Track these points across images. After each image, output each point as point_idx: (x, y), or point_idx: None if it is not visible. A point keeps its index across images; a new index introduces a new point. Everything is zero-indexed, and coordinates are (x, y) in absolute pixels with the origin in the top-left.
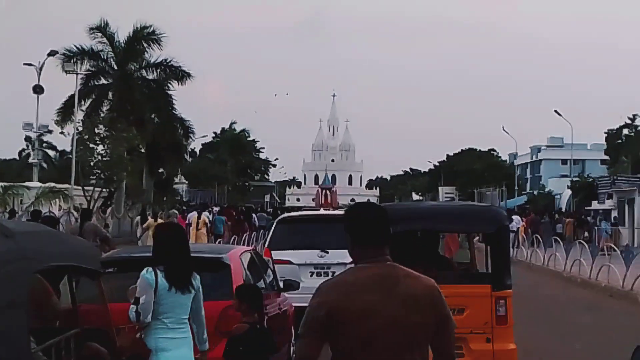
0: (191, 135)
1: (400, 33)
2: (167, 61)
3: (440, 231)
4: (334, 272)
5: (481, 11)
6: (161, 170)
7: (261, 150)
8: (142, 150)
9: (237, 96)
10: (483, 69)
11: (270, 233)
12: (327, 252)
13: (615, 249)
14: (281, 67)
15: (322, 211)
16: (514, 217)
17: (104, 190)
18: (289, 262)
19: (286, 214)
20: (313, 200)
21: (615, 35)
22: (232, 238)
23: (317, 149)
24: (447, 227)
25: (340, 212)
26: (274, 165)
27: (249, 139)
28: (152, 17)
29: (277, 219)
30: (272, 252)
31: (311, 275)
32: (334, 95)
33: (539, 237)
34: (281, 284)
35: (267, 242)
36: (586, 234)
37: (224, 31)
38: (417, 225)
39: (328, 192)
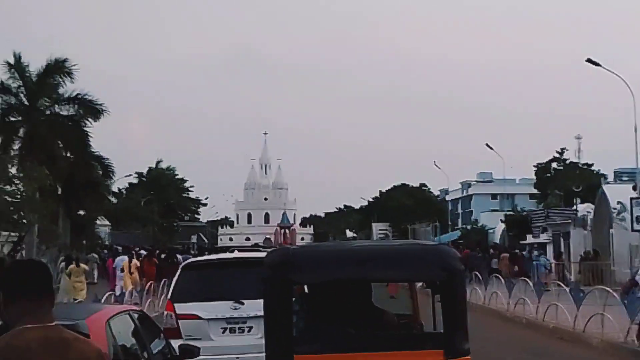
0: (110, 173)
1: (331, 70)
2: (81, 96)
3: (373, 281)
4: (250, 328)
5: (415, 47)
6: (81, 211)
7: (190, 189)
8: (59, 191)
9: (168, 135)
10: (414, 104)
11: (174, 282)
12: (243, 303)
13: (563, 286)
14: (214, 105)
15: (236, 254)
16: None
17: (12, 234)
18: (196, 317)
19: (193, 259)
20: (267, 239)
21: (544, 70)
22: (148, 284)
23: (250, 187)
24: (381, 276)
25: (261, 254)
26: (204, 205)
27: (177, 177)
28: (78, 55)
29: (182, 265)
30: (176, 304)
31: (223, 332)
32: (265, 134)
33: (478, 273)
34: (177, 350)
35: (169, 293)
36: (516, 268)
37: (158, 69)
38: (340, 273)
39: (287, 230)
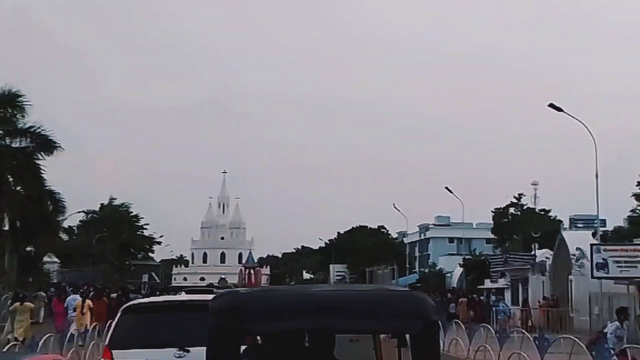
0: (62, 209)
1: (292, 114)
2: (35, 129)
3: (336, 332)
4: None
5: (372, 92)
6: (30, 248)
7: (145, 226)
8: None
9: (124, 172)
10: (374, 147)
11: (113, 326)
12: (189, 351)
13: (527, 334)
14: (171, 143)
15: (183, 296)
16: None
17: None
18: None
19: (134, 301)
20: (222, 279)
21: (503, 119)
22: (93, 325)
23: (207, 226)
24: (347, 326)
25: (209, 296)
26: (159, 243)
27: (131, 214)
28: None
29: (123, 307)
30: (114, 351)
31: None
32: (224, 172)
33: None
34: None
35: (107, 339)
36: (472, 312)
37: (116, 106)
38: (299, 323)
39: (252, 270)
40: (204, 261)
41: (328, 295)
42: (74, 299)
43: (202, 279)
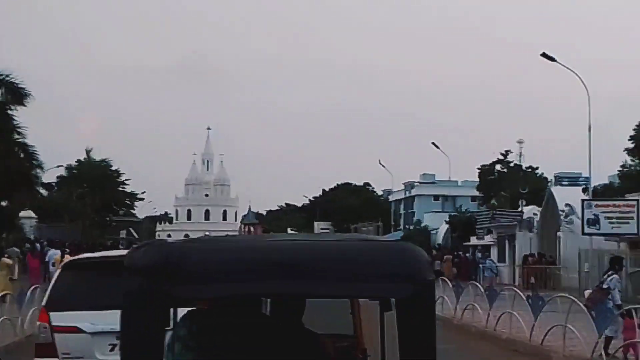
0: (37, 164)
1: (276, 72)
2: (3, 76)
3: (302, 296)
4: None
5: (357, 49)
6: (5, 203)
7: (126, 182)
8: None
9: (108, 129)
10: (360, 104)
11: (51, 285)
12: None
13: (519, 292)
14: (155, 101)
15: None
16: None
17: None
18: (77, 330)
19: (76, 257)
20: (206, 235)
21: (489, 75)
22: None
23: (191, 183)
24: (316, 289)
25: None
26: (141, 199)
27: (111, 169)
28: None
29: (63, 264)
30: (52, 313)
31: (111, 350)
32: (208, 129)
33: None
34: None
35: (45, 299)
36: (454, 270)
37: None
38: (253, 285)
39: (252, 228)
40: (188, 218)
41: (290, 247)
42: (55, 253)
43: (187, 235)
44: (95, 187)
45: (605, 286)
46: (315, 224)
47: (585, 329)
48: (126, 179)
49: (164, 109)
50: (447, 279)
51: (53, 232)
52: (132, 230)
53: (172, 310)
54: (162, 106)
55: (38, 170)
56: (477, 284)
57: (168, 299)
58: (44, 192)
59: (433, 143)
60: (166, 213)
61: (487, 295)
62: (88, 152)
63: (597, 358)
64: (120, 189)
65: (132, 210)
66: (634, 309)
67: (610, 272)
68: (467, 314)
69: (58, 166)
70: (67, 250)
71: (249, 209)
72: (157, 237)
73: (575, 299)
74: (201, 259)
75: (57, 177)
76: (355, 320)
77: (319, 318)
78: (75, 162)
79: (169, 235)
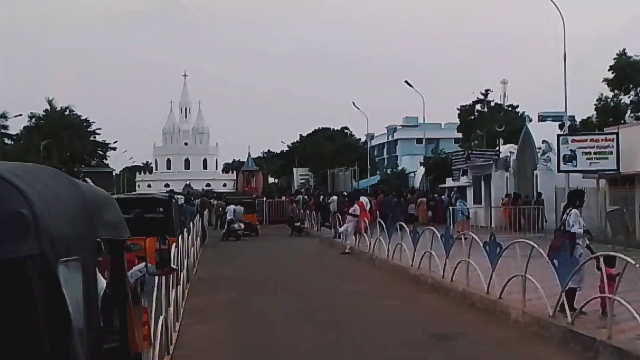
0: None
1: (251, 15)
2: None
3: None
4: None
5: None
6: None
7: (97, 132)
8: None
9: (82, 78)
10: (337, 46)
11: None
12: None
13: (476, 238)
14: (131, 47)
15: None
16: (362, 198)
17: None
18: None
19: None
20: (187, 185)
21: (467, 12)
22: None
23: (169, 132)
24: None
25: None
26: (113, 149)
27: (81, 119)
28: None
29: None
30: None
31: None
32: (185, 76)
33: (382, 221)
34: None
35: None
36: (430, 213)
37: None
38: None
39: (252, 175)
40: (168, 168)
41: None
42: None
43: (167, 185)
44: (62, 137)
45: (570, 228)
46: (294, 170)
47: (548, 280)
48: (97, 129)
49: (139, 57)
50: (405, 224)
51: None
52: (89, 181)
53: None
54: (137, 53)
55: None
56: (434, 229)
57: None
58: (8, 142)
59: (406, 81)
60: (147, 163)
61: (442, 242)
62: (50, 102)
63: (559, 317)
64: (92, 139)
65: (104, 161)
66: (605, 256)
67: (569, 209)
68: (425, 263)
69: (17, 115)
70: None
71: (249, 155)
72: (137, 188)
73: (536, 245)
74: None
75: (24, 127)
76: None
77: None
78: (43, 112)
79: (149, 186)
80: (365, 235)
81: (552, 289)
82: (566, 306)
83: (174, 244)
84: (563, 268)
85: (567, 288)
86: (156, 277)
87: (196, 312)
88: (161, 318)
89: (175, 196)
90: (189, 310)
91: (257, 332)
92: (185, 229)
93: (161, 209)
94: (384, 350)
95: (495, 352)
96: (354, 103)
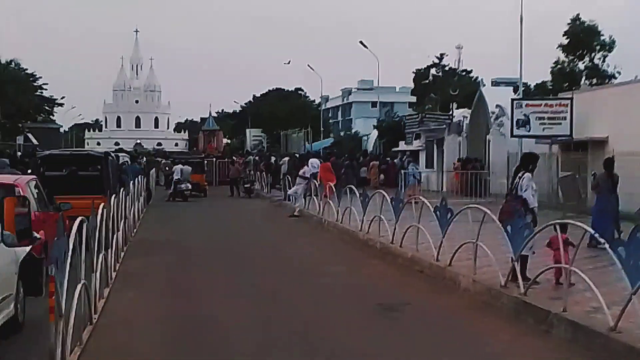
0: None
1: None
2: None
3: None
4: None
5: None
6: None
7: (43, 87)
8: None
9: (32, 31)
10: (293, 7)
11: None
12: None
13: (427, 203)
14: (81, 1)
15: None
16: (312, 160)
17: None
18: None
19: None
20: (138, 144)
21: None
22: None
23: (119, 89)
24: None
25: None
26: (60, 105)
27: (25, 73)
28: None
29: None
30: None
31: None
32: (136, 31)
33: (331, 185)
34: None
35: None
36: (382, 176)
37: None
38: None
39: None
40: (118, 126)
41: None
42: None
43: (117, 143)
44: (7, 90)
45: (522, 193)
46: (247, 131)
47: (499, 247)
48: (43, 84)
49: (89, 11)
50: (355, 187)
51: None
52: (31, 136)
53: None
54: (87, 8)
55: None
56: (384, 192)
57: None
58: None
59: (361, 42)
60: (97, 120)
61: (392, 206)
62: None
63: (511, 288)
64: (37, 94)
65: (51, 117)
66: (559, 224)
67: (522, 173)
68: (374, 228)
69: None
70: None
71: (210, 114)
72: (86, 145)
73: (488, 211)
74: None
75: None
76: None
77: None
78: None
79: (98, 144)
80: (315, 198)
81: (504, 256)
82: (518, 275)
83: (102, 205)
84: (516, 234)
85: (519, 256)
86: (70, 240)
87: (129, 277)
88: (79, 286)
89: (113, 154)
90: (123, 274)
91: (189, 300)
92: (123, 188)
93: (98, 167)
94: (324, 321)
95: (443, 323)
96: (308, 65)
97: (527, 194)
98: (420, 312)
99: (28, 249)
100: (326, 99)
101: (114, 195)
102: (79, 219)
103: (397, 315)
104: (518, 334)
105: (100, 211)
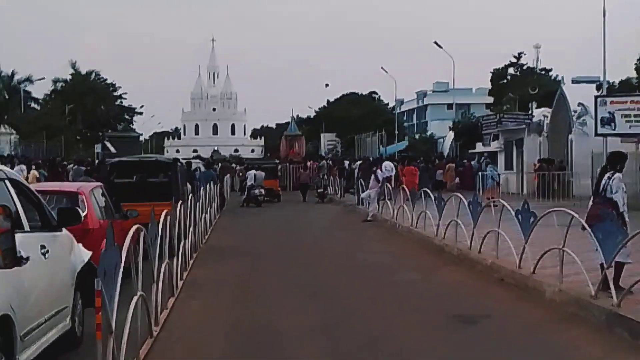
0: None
1: None
2: None
3: None
4: None
5: None
6: None
7: (123, 96)
8: None
9: (111, 43)
10: (366, 10)
11: None
12: None
13: (507, 206)
14: (159, 12)
15: None
16: (385, 163)
17: None
18: None
19: None
20: (215, 151)
21: None
22: None
23: (197, 97)
24: None
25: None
26: (140, 113)
27: (105, 83)
28: None
29: None
30: None
31: None
32: (213, 40)
33: (405, 188)
34: None
35: None
36: (457, 179)
37: None
38: None
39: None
40: (196, 133)
41: None
42: (21, 169)
43: (195, 151)
44: (87, 101)
45: (612, 196)
46: (322, 135)
47: (588, 254)
48: (123, 93)
49: (167, 21)
50: (429, 190)
51: (27, 148)
52: (109, 145)
53: None
54: (165, 18)
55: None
56: (461, 195)
57: None
58: (36, 107)
59: (435, 42)
60: (176, 128)
61: (470, 210)
62: (73, 65)
63: (603, 298)
64: (117, 104)
65: (131, 126)
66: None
67: (611, 173)
68: (451, 233)
69: (40, 79)
70: (34, 166)
71: (292, 119)
72: (165, 153)
73: (576, 215)
74: None
75: (50, 91)
76: None
77: None
78: (70, 75)
79: (177, 151)
80: (388, 202)
81: (592, 264)
82: (611, 284)
83: (165, 211)
84: (607, 240)
85: (613, 263)
86: (123, 250)
87: (196, 286)
88: (135, 298)
89: (185, 160)
90: (190, 283)
91: (254, 311)
92: (192, 195)
93: (168, 174)
94: (397, 333)
95: (527, 338)
96: (382, 67)
97: (618, 196)
98: (502, 324)
99: (87, 258)
100: (401, 101)
101: (180, 202)
102: (133, 227)
103: (476, 328)
104: (611, 350)
105: (163, 218)
